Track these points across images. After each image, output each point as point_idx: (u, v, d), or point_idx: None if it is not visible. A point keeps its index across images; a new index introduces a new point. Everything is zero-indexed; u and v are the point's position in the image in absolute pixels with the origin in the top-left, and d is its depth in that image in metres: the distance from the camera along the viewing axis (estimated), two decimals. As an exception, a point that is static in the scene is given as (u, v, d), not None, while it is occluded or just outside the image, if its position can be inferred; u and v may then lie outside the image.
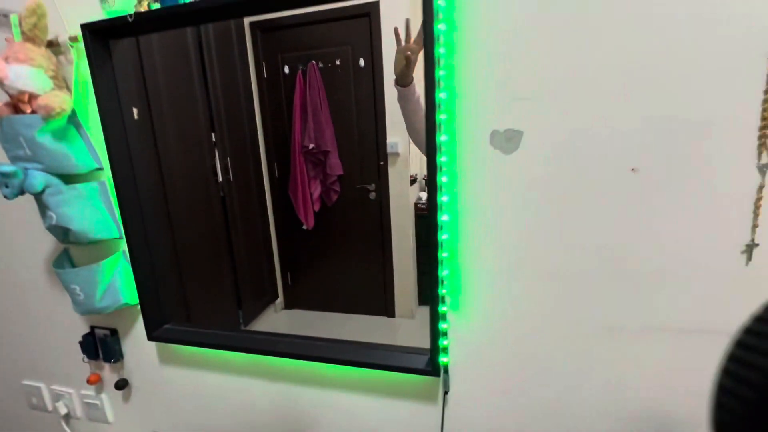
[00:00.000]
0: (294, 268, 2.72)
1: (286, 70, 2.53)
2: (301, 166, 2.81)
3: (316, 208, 2.79)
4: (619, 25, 0.71)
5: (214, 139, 2.09)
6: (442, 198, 0.83)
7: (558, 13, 0.73)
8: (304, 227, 2.73)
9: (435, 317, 0.87)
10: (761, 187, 0.70)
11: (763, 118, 0.68)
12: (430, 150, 0.80)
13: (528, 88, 0.77)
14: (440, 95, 0.79)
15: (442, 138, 0.82)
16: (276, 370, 1.11)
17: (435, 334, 0.89)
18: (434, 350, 0.90)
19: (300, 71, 2.53)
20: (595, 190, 0.78)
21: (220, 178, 2.17)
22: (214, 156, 2.08)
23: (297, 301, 2.83)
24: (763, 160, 0.69)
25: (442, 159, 0.82)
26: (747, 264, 0.74)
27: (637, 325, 0.82)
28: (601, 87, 0.74)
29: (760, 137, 0.69)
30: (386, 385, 1.01)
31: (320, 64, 2.47)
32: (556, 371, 0.88)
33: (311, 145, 2.70)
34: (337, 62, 2.35)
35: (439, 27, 0.76)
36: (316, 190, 2.84)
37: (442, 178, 0.83)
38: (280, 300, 2.83)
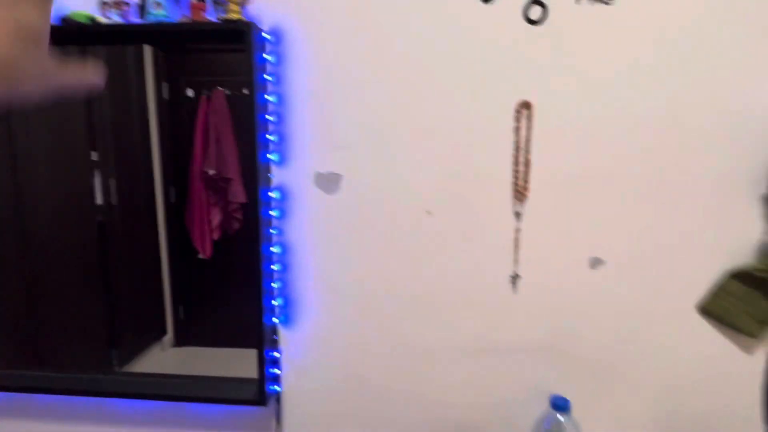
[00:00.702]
0: (188, 301, 2.55)
1: (190, 93, 2.52)
2: (200, 192, 2.73)
3: (216, 236, 2.71)
4: (416, 96, 0.87)
5: (94, 158, 1.97)
6: (272, 230, 0.90)
7: (369, 83, 0.87)
8: (201, 256, 2.62)
9: (262, 344, 0.91)
10: (517, 229, 0.88)
11: (515, 173, 0.87)
12: (255, 185, 0.88)
13: (346, 138, 0.89)
14: (271, 137, 0.88)
15: (272, 175, 0.90)
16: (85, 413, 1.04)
17: (262, 361, 0.92)
18: (262, 378, 0.92)
19: (205, 96, 2.54)
20: (400, 229, 0.91)
21: (100, 201, 2.03)
22: (93, 176, 1.96)
23: (190, 337, 2.64)
24: (517, 208, 0.88)
25: (271, 194, 0.90)
26: (514, 292, 0.90)
27: (441, 347, 0.93)
28: (406, 142, 0.88)
29: (514, 189, 0.87)
30: (216, 419, 1.00)
31: (227, 91, 2.51)
32: (385, 392, 0.96)
33: (212, 171, 2.66)
34: (245, 91, 2.41)
35: (268, 95, 0.86)
36: (216, 218, 2.77)
37: (272, 213, 0.90)
38: (169, 336, 2.61)
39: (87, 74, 0.29)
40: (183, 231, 2.54)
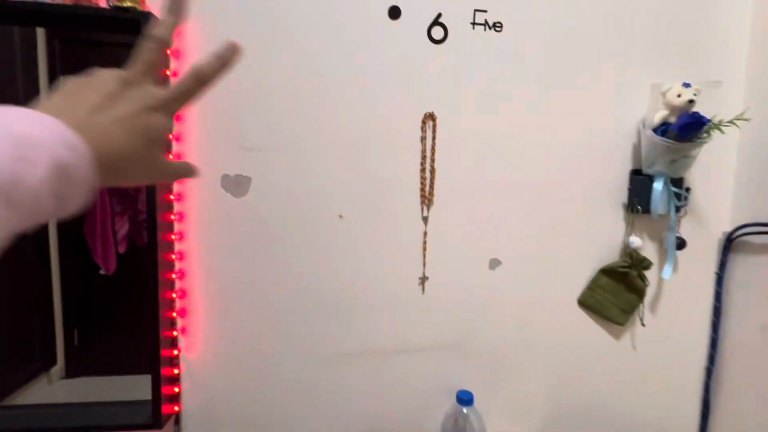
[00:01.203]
0: (84, 325, 2.23)
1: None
2: (104, 199, 2.44)
3: (121, 249, 2.43)
4: (328, 104, 0.88)
5: None
6: (174, 237, 0.84)
7: (285, 81, 0.86)
8: (103, 272, 2.32)
9: (156, 361, 0.83)
10: (425, 233, 0.93)
11: (422, 180, 0.92)
12: (152, 187, 0.81)
13: (257, 140, 0.87)
14: (171, 137, 0.82)
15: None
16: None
17: (157, 380, 0.84)
18: (157, 399, 0.84)
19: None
20: (312, 232, 0.90)
21: None
22: None
23: (85, 365, 2.30)
24: (424, 213, 0.93)
25: (173, 197, 0.84)
26: (423, 293, 0.94)
27: (352, 351, 0.94)
28: (318, 147, 0.89)
29: (421, 196, 0.92)
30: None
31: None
32: (295, 401, 0.93)
33: (117, 177, 2.40)
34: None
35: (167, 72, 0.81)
36: (123, 228, 2.48)
37: (174, 216, 0.84)
38: (59, 366, 2.25)
39: (185, 171, 0.35)
40: (82, 245, 2.23)
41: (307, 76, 0.87)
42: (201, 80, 0.32)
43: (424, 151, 0.92)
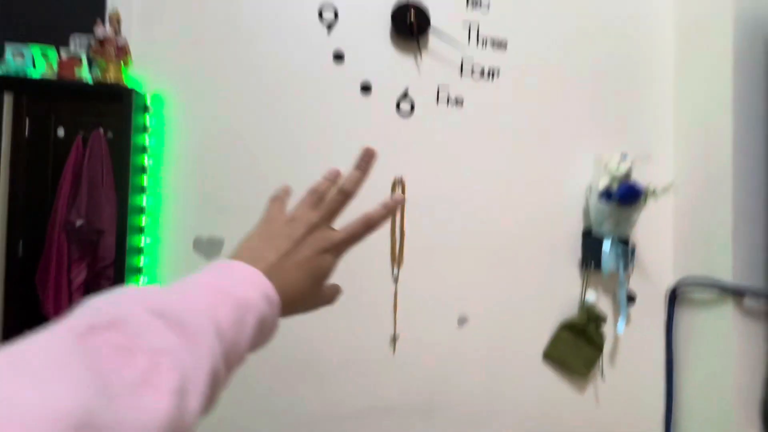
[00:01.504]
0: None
1: (61, 132, 2.22)
2: (60, 245, 2.33)
3: (76, 298, 2.28)
4: (302, 168, 0.93)
5: None
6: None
7: (263, 145, 0.91)
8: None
9: None
10: (395, 293, 0.96)
11: (392, 242, 0.96)
12: (122, 246, 0.81)
13: (229, 199, 0.89)
14: (144, 201, 0.84)
15: (145, 241, 0.84)
16: None
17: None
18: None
19: (80, 137, 2.26)
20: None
21: None
22: None
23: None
24: (395, 273, 0.96)
25: (142, 261, 0.84)
26: (393, 353, 0.95)
27: (321, 412, 0.92)
28: (292, 205, 0.92)
29: (392, 256, 0.96)
30: None
31: (109, 134, 2.27)
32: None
33: (79, 222, 2.31)
34: (129, 136, 2.20)
35: (146, 157, 0.84)
36: (80, 276, 2.36)
37: (142, 279, 0.83)
38: (-7, 430, 2.01)
39: (335, 295, 0.38)
40: (31, 294, 2.08)
41: (284, 140, 0.93)
42: (370, 227, 0.35)
43: (394, 214, 0.97)
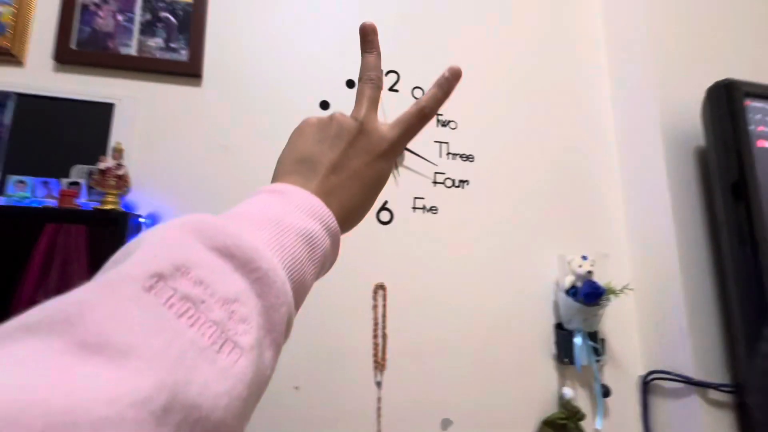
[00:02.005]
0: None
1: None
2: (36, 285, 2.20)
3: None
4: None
5: None
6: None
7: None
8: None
9: None
10: (379, 398, 0.97)
11: (375, 346, 0.99)
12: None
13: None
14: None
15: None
16: None
17: None
18: None
19: (53, 225, 2.24)
20: (267, 406, 0.91)
21: None
22: None
23: None
24: (378, 378, 0.98)
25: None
26: (379, 463, 0.94)
27: None
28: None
29: (374, 361, 0.99)
30: None
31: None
32: None
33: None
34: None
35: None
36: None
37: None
38: None
39: None
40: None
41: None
42: (426, 116, 0.30)
43: (375, 318, 1.01)
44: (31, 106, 0.92)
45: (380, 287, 1.03)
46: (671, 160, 1.14)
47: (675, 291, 1.07)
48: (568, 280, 1.11)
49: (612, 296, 1.07)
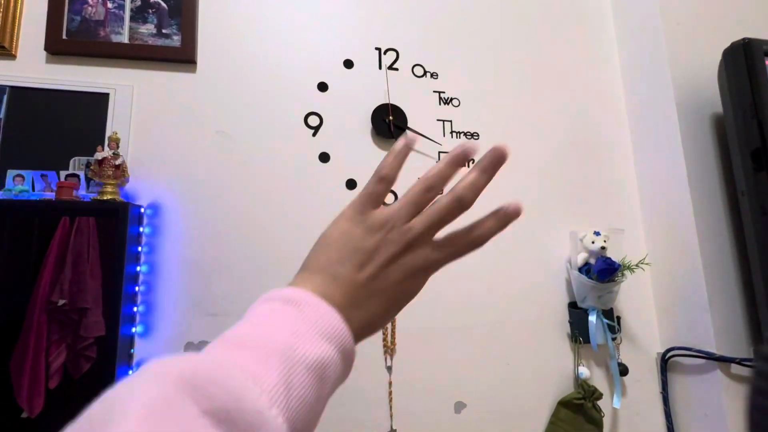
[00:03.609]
0: (-4, 484, 1.85)
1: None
2: (40, 327, 2.23)
3: (53, 384, 2.15)
4: (287, 270, 0.96)
5: None
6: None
7: (243, 258, 0.94)
8: (25, 416, 2.01)
9: None
10: (390, 383, 0.96)
11: (383, 330, 0.97)
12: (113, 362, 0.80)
13: (220, 305, 0.91)
14: (135, 309, 0.85)
15: (134, 348, 0.84)
16: None
17: None
18: None
19: (67, 218, 2.25)
20: (277, 394, 0.90)
21: None
22: None
23: None
24: (388, 363, 0.96)
25: (131, 370, 0.82)
26: (392, 448, 0.93)
27: None
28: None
29: (384, 345, 0.97)
30: None
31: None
32: None
33: (62, 302, 2.24)
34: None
35: (140, 266, 0.87)
36: (58, 359, 2.23)
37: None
38: None
39: None
40: (3, 383, 1.95)
41: (269, 242, 0.96)
42: (477, 245, 0.27)
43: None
44: (25, 98, 0.90)
45: (387, 271, 1.01)
46: (686, 129, 1.09)
47: (694, 264, 1.03)
48: (581, 257, 1.07)
49: (627, 272, 1.04)
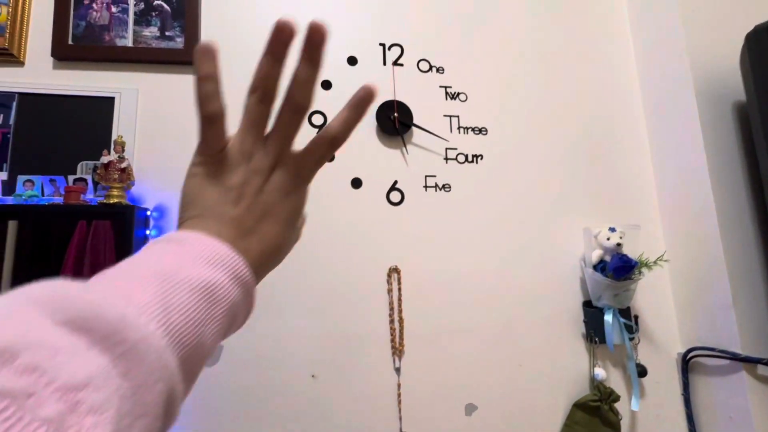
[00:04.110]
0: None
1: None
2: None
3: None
4: (296, 267, 0.95)
5: None
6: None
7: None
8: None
9: None
10: (399, 385, 0.94)
11: (391, 331, 0.96)
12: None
13: (228, 306, 0.90)
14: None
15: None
16: None
17: None
18: None
19: (84, 221, 2.31)
20: (285, 395, 0.89)
21: None
22: None
23: None
24: (396, 364, 0.95)
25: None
26: (402, 450, 0.91)
27: None
28: (288, 308, 0.93)
29: (392, 347, 0.95)
30: None
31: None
32: None
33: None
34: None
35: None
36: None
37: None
38: None
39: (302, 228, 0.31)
40: None
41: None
42: (336, 145, 0.27)
43: (391, 303, 0.98)
44: (34, 104, 0.92)
45: (394, 270, 0.99)
46: (707, 119, 1.04)
47: (716, 260, 0.98)
48: (596, 255, 1.03)
49: (645, 269, 1.00)
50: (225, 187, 0.25)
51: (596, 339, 1.03)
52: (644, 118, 1.19)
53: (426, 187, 1.05)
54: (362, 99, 0.27)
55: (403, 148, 1.05)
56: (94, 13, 0.97)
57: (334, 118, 0.27)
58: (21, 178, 0.87)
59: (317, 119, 1.02)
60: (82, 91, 0.94)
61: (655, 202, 1.14)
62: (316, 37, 0.26)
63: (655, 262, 0.99)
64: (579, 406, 1.01)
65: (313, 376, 0.91)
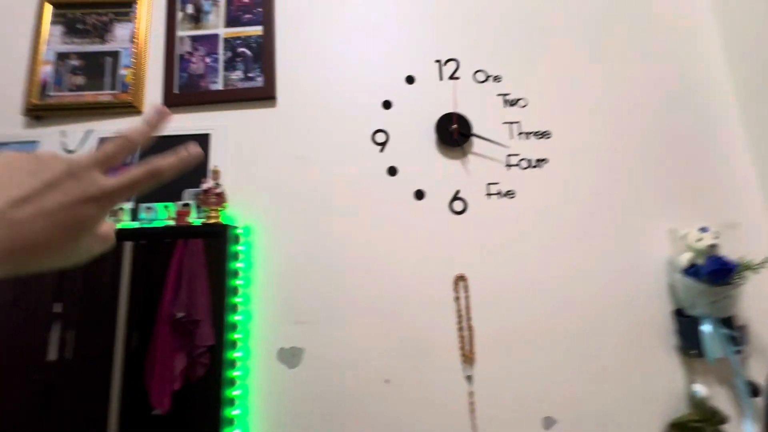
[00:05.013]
0: (137, 469, 2.18)
1: (168, 239, 2.62)
2: (165, 337, 2.61)
3: (177, 386, 2.49)
4: (368, 276, 1.01)
5: (57, 310, 1.91)
6: (234, 413, 0.92)
7: (330, 260, 1.02)
8: (156, 412, 2.35)
9: None
10: (471, 393, 0.94)
11: (461, 339, 0.96)
12: (218, 362, 0.92)
13: (307, 314, 0.99)
14: (236, 318, 0.97)
15: (236, 354, 0.95)
16: None
17: None
18: None
19: (182, 240, 2.63)
20: (360, 399, 0.94)
21: (52, 357, 1.89)
22: (49, 330, 1.86)
23: None
24: (467, 372, 0.95)
25: (235, 373, 0.94)
26: (477, 460, 0.91)
27: None
28: (362, 316, 0.99)
29: (462, 354, 0.96)
30: None
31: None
32: None
33: (180, 314, 2.60)
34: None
35: (238, 265, 1.00)
36: (180, 364, 2.59)
37: (235, 392, 0.93)
38: None
39: (104, 246, 0.31)
40: (140, 383, 2.32)
41: (347, 254, 1.03)
42: (156, 177, 0.30)
43: (459, 310, 0.99)
44: (151, 145, 1.11)
45: (460, 278, 1.00)
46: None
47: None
48: (686, 258, 0.94)
49: (749, 272, 0.88)
50: (16, 179, 0.26)
51: (693, 351, 0.93)
52: (737, 107, 1.07)
53: (489, 194, 1.06)
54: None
55: (464, 158, 1.07)
56: (193, 65, 1.16)
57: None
58: (142, 206, 1.06)
59: (380, 137, 1.09)
60: (184, 131, 1.12)
61: (757, 197, 1.01)
62: (160, 115, 0.32)
63: (760, 264, 0.88)
64: (677, 426, 0.91)
65: (386, 381, 0.95)
